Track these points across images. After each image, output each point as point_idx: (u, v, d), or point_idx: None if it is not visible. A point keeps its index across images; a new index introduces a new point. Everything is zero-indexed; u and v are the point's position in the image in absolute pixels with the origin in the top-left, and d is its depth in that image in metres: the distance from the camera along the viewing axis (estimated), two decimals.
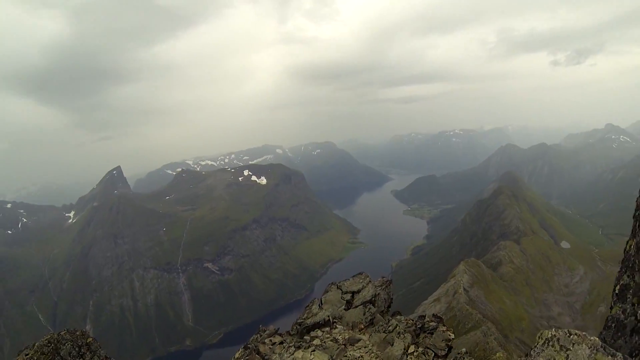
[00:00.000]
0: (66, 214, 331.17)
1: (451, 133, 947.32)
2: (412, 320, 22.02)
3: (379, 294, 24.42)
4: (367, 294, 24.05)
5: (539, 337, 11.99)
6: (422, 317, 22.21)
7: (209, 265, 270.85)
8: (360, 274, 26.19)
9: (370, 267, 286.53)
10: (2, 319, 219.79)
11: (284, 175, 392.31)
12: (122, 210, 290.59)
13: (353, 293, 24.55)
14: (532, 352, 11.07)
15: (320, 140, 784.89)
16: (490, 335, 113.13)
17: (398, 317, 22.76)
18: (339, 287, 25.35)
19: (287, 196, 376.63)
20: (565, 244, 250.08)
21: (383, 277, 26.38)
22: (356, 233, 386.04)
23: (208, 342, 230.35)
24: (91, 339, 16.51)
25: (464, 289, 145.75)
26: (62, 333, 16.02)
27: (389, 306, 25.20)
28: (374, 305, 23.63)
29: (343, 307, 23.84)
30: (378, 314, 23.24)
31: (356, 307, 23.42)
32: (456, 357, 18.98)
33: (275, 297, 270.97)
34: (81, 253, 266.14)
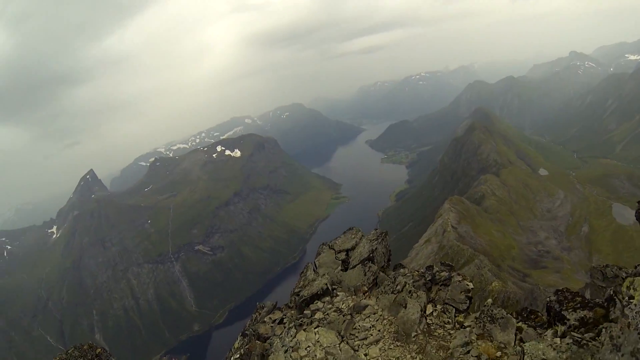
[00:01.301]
0: (49, 231, 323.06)
1: (417, 77, 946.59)
2: (420, 272, 20.45)
3: (376, 248, 22.18)
4: (363, 250, 22.25)
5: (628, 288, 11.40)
6: (430, 267, 20.72)
7: (200, 247, 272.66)
8: (351, 229, 25.15)
9: (357, 220, 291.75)
10: (13, 351, 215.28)
11: (256, 144, 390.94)
12: (103, 213, 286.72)
13: (347, 251, 23.13)
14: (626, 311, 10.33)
15: (288, 103, 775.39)
16: (484, 267, 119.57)
17: (402, 270, 21.16)
18: (331, 247, 23.99)
19: (264, 164, 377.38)
20: (543, 171, 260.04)
21: (376, 229, 24.39)
22: (338, 188, 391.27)
23: (214, 322, 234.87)
24: (100, 349, 16.13)
25: (452, 227, 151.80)
26: (69, 351, 15.82)
27: (388, 260, 23.38)
28: (373, 262, 21.55)
29: (340, 268, 22.38)
30: (380, 272, 21.53)
31: (354, 267, 21.66)
32: (482, 310, 15.89)
33: (270, 265, 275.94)
34: (73, 265, 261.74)
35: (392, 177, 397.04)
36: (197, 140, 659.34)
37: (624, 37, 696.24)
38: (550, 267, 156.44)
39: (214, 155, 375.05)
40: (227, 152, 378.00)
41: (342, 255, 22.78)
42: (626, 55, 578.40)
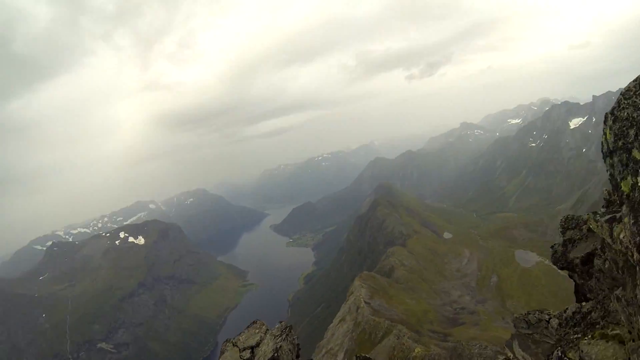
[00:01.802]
0: None
1: (320, 158, 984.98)
2: None
3: (280, 346, 21.54)
4: (267, 349, 21.40)
5: None
6: None
7: (103, 345, 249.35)
8: (255, 322, 24.13)
9: (267, 307, 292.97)
10: None
11: (160, 231, 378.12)
12: None
13: (252, 348, 22.17)
14: None
15: (192, 188, 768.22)
16: (404, 335, 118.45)
17: None
18: (235, 344, 22.90)
19: (168, 252, 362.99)
20: (447, 235, 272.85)
21: (281, 322, 23.69)
22: (245, 276, 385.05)
23: None
24: None
25: (365, 302, 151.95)
26: None
27: (297, 356, 23.06)
28: None
29: (269, 356, 21.24)
30: None
31: None
32: None
33: None
34: None
35: (299, 260, 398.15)
36: (100, 225, 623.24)
37: (505, 105, 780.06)
38: (469, 322, 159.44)
39: (117, 242, 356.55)
40: (131, 238, 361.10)
41: (247, 354, 21.33)
42: (508, 120, 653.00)
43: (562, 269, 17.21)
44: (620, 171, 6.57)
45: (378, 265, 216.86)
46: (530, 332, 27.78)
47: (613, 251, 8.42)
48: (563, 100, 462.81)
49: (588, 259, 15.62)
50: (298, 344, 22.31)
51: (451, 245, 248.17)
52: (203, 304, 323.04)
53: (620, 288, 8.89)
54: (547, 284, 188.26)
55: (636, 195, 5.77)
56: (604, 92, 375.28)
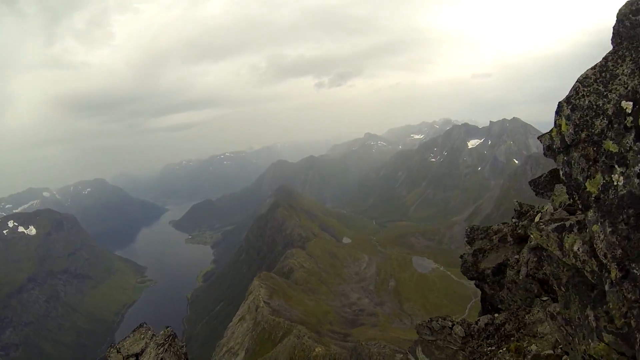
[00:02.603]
0: None
1: (222, 156, 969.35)
2: None
3: (162, 359, 18.95)
4: None
5: None
6: None
7: None
8: (141, 326, 20.68)
9: (166, 304, 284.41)
10: None
11: (54, 222, 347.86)
12: None
13: (137, 356, 19.56)
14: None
15: (90, 177, 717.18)
16: (304, 335, 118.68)
17: None
18: (119, 351, 19.98)
19: (62, 244, 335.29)
20: (346, 240, 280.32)
21: (167, 329, 20.69)
22: (143, 271, 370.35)
23: None
24: None
25: (265, 302, 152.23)
26: None
27: None
28: None
29: None
30: None
31: None
32: None
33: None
34: None
35: (198, 257, 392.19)
36: None
37: (410, 121, 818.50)
38: (368, 323, 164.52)
39: (4, 231, 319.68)
40: (21, 228, 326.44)
41: None
42: (412, 135, 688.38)
43: (472, 279, 17.12)
44: (584, 169, 5.74)
45: (277, 266, 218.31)
46: (433, 338, 28.06)
47: (555, 265, 7.71)
48: (463, 122, 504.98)
49: (499, 269, 15.62)
50: (185, 353, 19.49)
51: (350, 249, 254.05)
52: (99, 301, 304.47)
53: (555, 305, 8.51)
54: (442, 288, 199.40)
55: (610, 197, 5.16)
56: (500, 119, 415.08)
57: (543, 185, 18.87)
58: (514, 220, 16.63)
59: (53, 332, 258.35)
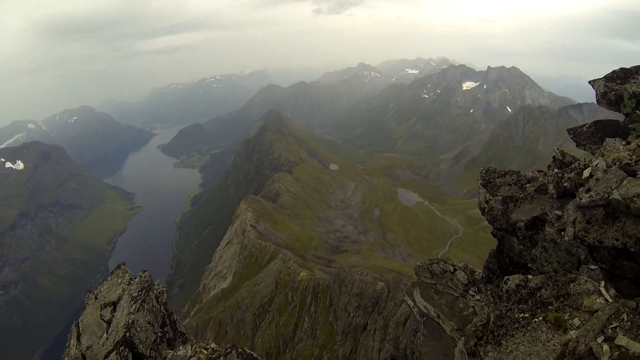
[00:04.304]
0: None
1: (212, 80, 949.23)
2: None
3: (133, 322, 14.25)
4: (120, 319, 14.95)
5: None
6: None
7: None
8: (119, 268, 18.17)
9: (155, 230, 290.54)
10: None
11: (42, 154, 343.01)
12: None
13: (114, 304, 16.47)
14: None
15: (76, 105, 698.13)
16: (289, 260, 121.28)
17: None
18: (96, 297, 17.28)
19: (51, 176, 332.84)
20: (333, 166, 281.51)
21: (144, 273, 16.82)
22: (132, 198, 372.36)
23: None
24: None
25: (251, 226, 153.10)
26: None
27: (165, 324, 16.01)
28: (130, 348, 13.54)
29: (105, 336, 15.13)
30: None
31: (108, 355, 13.43)
32: None
33: (73, 293, 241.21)
34: None
35: (186, 181, 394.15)
36: None
37: (406, 55, 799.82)
38: (351, 250, 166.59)
39: None
40: (8, 164, 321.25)
41: (108, 313, 15.69)
42: (406, 70, 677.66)
43: (499, 229, 14.93)
44: None
45: (264, 189, 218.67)
46: (433, 282, 26.38)
47: None
48: (460, 64, 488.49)
49: (534, 223, 13.47)
50: (165, 303, 16.57)
51: (337, 176, 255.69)
52: (91, 230, 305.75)
53: None
54: (425, 222, 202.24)
55: None
56: (499, 65, 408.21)
57: (586, 136, 16.58)
58: (555, 170, 14.31)
59: (48, 265, 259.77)
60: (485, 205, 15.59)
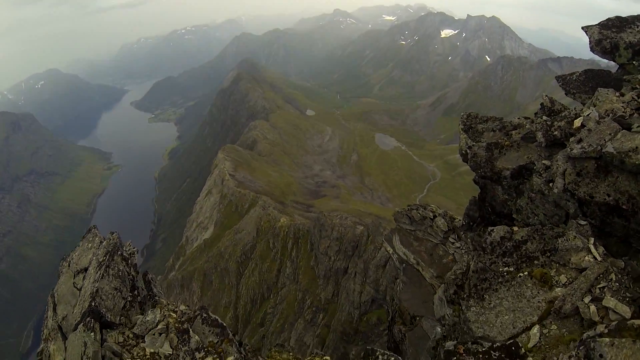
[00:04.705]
0: None
1: (183, 31, 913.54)
2: None
3: (97, 290, 12.97)
4: (87, 287, 13.62)
5: None
6: None
7: None
8: (89, 231, 16.99)
9: (134, 187, 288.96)
10: None
11: (11, 124, 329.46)
12: None
13: (86, 271, 15.11)
14: None
15: (42, 69, 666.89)
16: (269, 206, 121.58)
17: None
18: (69, 265, 15.97)
19: (23, 146, 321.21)
20: (310, 112, 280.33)
21: (112, 235, 15.54)
22: (109, 158, 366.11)
23: (24, 350, 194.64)
24: None
25: (230, 175, 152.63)
26: None
27: (135, 287, 14.48)
28: (96, 318, 12.24)
29: (77, 304, 13.73)
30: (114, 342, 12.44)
31: (77, 327, 12.34)
32: None
33: (59, 260, 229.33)
34: None
35: (162, 136, 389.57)
36: None
37: (383, 1, 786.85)
38: (330, 195, 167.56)
39: None
40: None
41: (80, 281, 14.57)
42: (383, 16, 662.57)
43: (483, 177, 14.22)
44: None
45: (241, 138, 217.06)
46: (412, 228, 26.03)
47: None
48: (439, 11, 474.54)
49: (520, 172, 12.72)
50: (135, 265, 15.27)
51: (314, 122, 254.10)
52: (70, 195, 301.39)
53: None
54: (402, 167, 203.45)
55: None
56: (479, 15, 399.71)
57: (576, 85, 15.66)
58: (544, 118, 13.45)
59: (31, 235, 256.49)
60: (468, 151, 14.95)
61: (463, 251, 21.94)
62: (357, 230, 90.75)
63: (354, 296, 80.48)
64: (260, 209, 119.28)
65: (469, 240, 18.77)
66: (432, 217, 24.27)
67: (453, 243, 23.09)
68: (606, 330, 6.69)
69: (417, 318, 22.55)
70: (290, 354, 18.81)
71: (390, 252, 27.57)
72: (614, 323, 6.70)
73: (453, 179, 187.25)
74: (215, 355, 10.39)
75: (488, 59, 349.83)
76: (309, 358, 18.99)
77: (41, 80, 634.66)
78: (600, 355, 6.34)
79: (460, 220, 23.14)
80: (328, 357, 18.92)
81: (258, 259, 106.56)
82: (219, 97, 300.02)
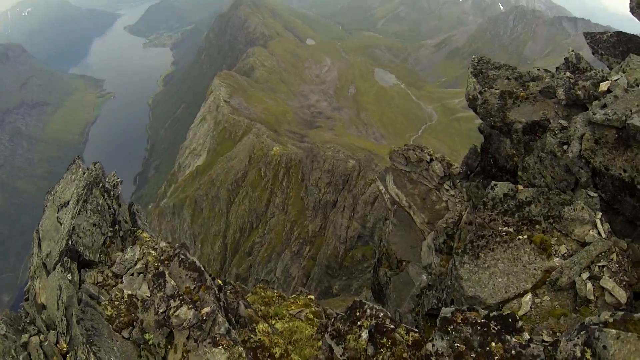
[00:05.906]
0: None
1: None
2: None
3: (74, 227, 12.15)
4: (65, 225, 12.72)
5: None
6: None
7: None
8: (74, 163, 15.77)
9: (128, 115, 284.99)
10: None
11: None
12: None
13: (68, 204, 13.96)
14: None
15: None
16: (262, 134, 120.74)
17: None
18: (53, 199, 14.95)
19: (12, 77, 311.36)
20: (310, 41, 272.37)
21: (95, 165, 14.66)
22: (101, 85, 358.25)
23: (24, 282, 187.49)
24: None
25: (225, 101, 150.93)
26: None
27: (117, 222, 13.62)
28: (74, 258, 11.72)
29: (59, 241, 12.88)
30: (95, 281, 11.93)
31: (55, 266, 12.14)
32: None
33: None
34: None
35: (157, 61, 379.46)
36: None
37: None
38: (324, 126, 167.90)
39: None
40: None
41: (64, 215, 13.68)
42: None
43: (492, 127, 13.20)
44: None
45: (238, 64, 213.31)
46: (408, 169, 25.37)
47: None
48: None
49: (532, 128, 11.81)
50: (118, 197, 14.51)
51: (313, 51, 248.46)
52: (62, 125, 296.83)
53: None
54: (400, 105, 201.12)
55: None
56: None
57: (605, 46, 14.53)
58: (567, 74, 12.37)
59: (24, 168, 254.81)
60: (479, 97, 13.84)
61: (457, 200, 21.39)
62: (349, 164, 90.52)
63: (340, 230, 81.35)
64: (254, 136, 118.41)
65: (464, 189, 18.01)
66: (428, 160, 23.58)
67: (447, 190, 22.55)
68: (612, 320, 6.12)
69: (404, 263, 22.39)
70: (275, 291, 18.60)
71: (382, 191, 27.05)
72: (619, 313, 6.14)
73: (450, 123, 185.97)
74: (191, 306, 9.74)
75: (501, 7, 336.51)
76: (293, 296, 18.85)
77: (28, 7, 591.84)
78: (604, 347, 5.81)
79: (457, 167, 22.39)
80: (312, 296, 18.79)
81: (249, 187, 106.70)
82: (217, 22, 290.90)
